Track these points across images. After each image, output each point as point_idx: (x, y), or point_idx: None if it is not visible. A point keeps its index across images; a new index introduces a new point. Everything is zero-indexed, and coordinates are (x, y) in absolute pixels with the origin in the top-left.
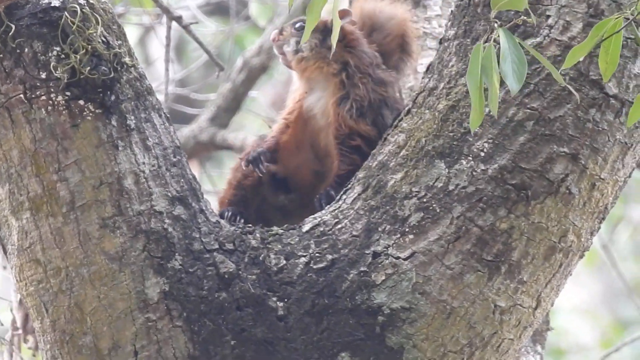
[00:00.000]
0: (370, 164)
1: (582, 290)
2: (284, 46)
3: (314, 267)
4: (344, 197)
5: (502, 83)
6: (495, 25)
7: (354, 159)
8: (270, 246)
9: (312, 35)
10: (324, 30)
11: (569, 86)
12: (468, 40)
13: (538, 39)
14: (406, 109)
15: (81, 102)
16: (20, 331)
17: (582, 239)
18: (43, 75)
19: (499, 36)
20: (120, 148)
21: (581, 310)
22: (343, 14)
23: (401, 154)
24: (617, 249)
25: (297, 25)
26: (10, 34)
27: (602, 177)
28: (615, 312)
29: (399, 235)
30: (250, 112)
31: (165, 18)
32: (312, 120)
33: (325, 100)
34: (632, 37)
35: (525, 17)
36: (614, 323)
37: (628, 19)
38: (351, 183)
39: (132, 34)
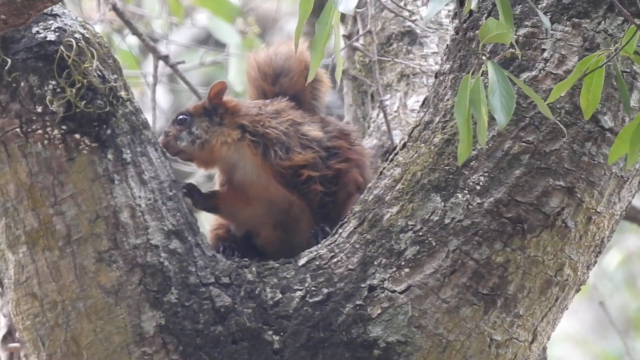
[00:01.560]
0: (366, 198)
1: (574, 319)
2: (177, 144)
3: (310, 300)
4: (340, 230)
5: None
6: (484, 58)
7: (315, 189)
8: (266, 280)
9: (199, 119)
10: (206, 111)
11: (556, 120)
12: (463, 74)
13: (533, 73)
14: (402, 142)
15: (77, 135)
16: None
17: (579, 273)
18: (39, 109)
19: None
20: (116, 182)
21: (574, 339)
22: (219, 86)
23: (397, 187)
24: (610, 277)
25: (179, 118)
26: (6, 68)
27: (598, 210)
28: (607, 342)
29: (395, 269)
30: None
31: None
32: (252, 187)
33: (251, 164)
34: (628, 70)
35: (512, 50)
36: (605, 353)
37: (609, 56)
38: (347, 217)
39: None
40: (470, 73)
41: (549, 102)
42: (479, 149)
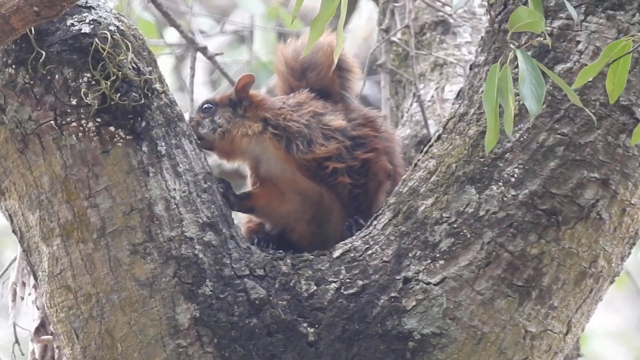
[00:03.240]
0: (401, 190)
1: (617, 314)
2: (199, 130)
3: (345, 292)
4: (375, 222)
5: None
6: (512, 46)
7: (342, 181)
8: (300, 272)
9: (223, 109)
10: (231, 102)
11: (585, 108)
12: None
13: (568, 65)
14: (436, 134)
15: (112, 128)
16: None
17: (613, 265)
18: (74, 102)
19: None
20: (151, 174)
21: (615, 334)
22: (246, 79)
23: (432, 179)
24: None
25: (204, 106)
26: (40, 60)
27: (632, 202)
28: None
29: (429, 261)
30: None
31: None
32: (279, 181)
33: (274, 158)
34: None
35: (541, 39)
36: None
37: (636, 42)
38: (382, 209)
39: (165, 62)
40: (499, 62)
41: (576, 87)
42: (514, 141)
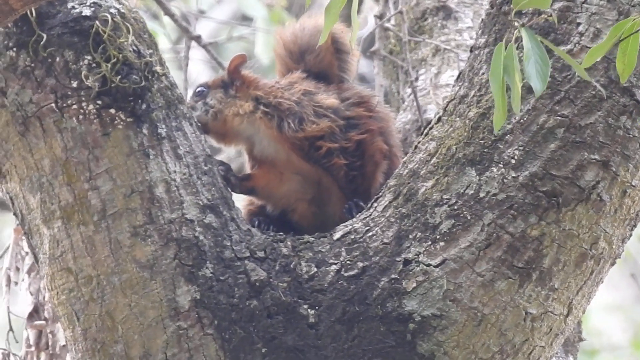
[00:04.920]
0: (401, 172)
1: (616, 290)
2: (192, 113)
3: (345, 274)
4: (375, 204)
5: (530, 89)
6: (517, 24)
7: (337, 163)
8: (301, 254)
9: (215, 91)
10: (223, 83)
11: (591, 80)
12: None
13: (569, 46)
14: (436, 116)
15: (112, 110)
16: (33, 348)
17: (614, 246)
18: (74, 84)
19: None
20: (151, 156)
21: (614, 308)
22: (238, 59)
23: (432, 161)
24: None
25: (197, 90)
26: (41, 43)
27: (633, 184)
28: None
29: (430, 243)
30: None
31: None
32: (275, 162)
33: (267, 138)
34: None
35: (546, 16)
36: None
37: None
38: (382, 191)
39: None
40: (504, 41)
41: (586, 67)
42: (514, 123)
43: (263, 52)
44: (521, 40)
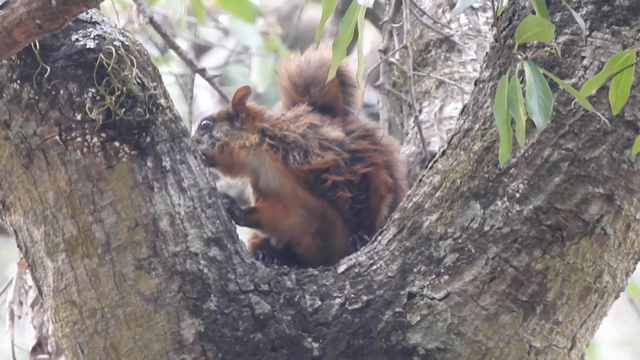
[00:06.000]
0: (406, 205)
1: (624, 324)
2: (198, 147)
3: (349, 308)
4: (379, 238)
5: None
6: (520, 57)
7: (342, 196)
8: (305, 287)
9: (220, 123)
10: (228, 116)
11: (595, 111)
12: None
13: (573, 80)
14: (441, 150)
15: (116, 143)
16: None
17: (618, 280)
18: (78, 117)
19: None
20: (155, 189)
21: (622, 342)
22: (243, 92)
23: (436, 195)
24: None
25: (202, 123)
26: (45, 75)
27: (637, 217)
28: None
29: (434, 276)
30: None
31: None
32: (280, 195)
33: (272, 170)
34: None
35: (549, 49)
36: None
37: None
38: (386, 224)
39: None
40: (508, 74)
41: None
42: (519, 157)
43: (258, 80)
44: (525, 74)
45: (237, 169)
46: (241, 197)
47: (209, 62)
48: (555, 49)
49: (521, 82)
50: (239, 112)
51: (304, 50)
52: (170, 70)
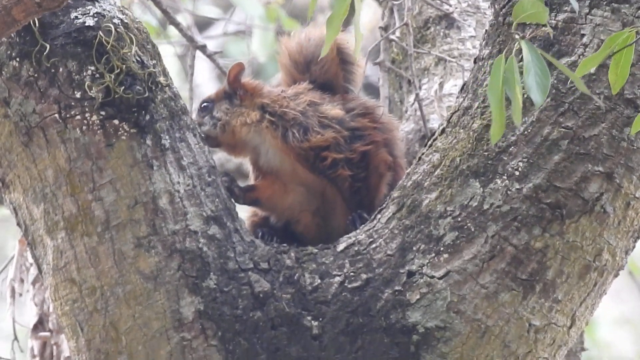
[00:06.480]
0: (405, 184)
1: (625, 303)
2: (201, 129)
3: (349, 286)
4: (379, 216)
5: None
6: (517, 37)
7: (342, 174)
8: (304, 265)
9: (219, 103)
10: (226, 94)
11: (591, 95)
12: None
13: (573, 58)
14: (440, 128)
15: (116, 121)
16: (37, 359)
17: (617, 258)
18: (78, 95)
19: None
20: (155, 167)
21: (623, 321)
22: (236, 69)
23: (436, 173)
24: None
25: (202, 106)
26: (44, 53)
27: (637, 195)
28: None
29: (433, 255)
30: None
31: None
32: (280, 173)
33: (273, 148)
34: None
35: (545, 29)
36: None
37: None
38: (386, 202)
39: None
40: (504, 53)
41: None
42: (518, 135)
43: (259, 50)
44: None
45: (240, 148)
46: (240, 170)
47: (212, 34)
48: (549, 28)
49: (520, 61)
50: (236, 89)
51: (304, 22)
52: (168, 42)
